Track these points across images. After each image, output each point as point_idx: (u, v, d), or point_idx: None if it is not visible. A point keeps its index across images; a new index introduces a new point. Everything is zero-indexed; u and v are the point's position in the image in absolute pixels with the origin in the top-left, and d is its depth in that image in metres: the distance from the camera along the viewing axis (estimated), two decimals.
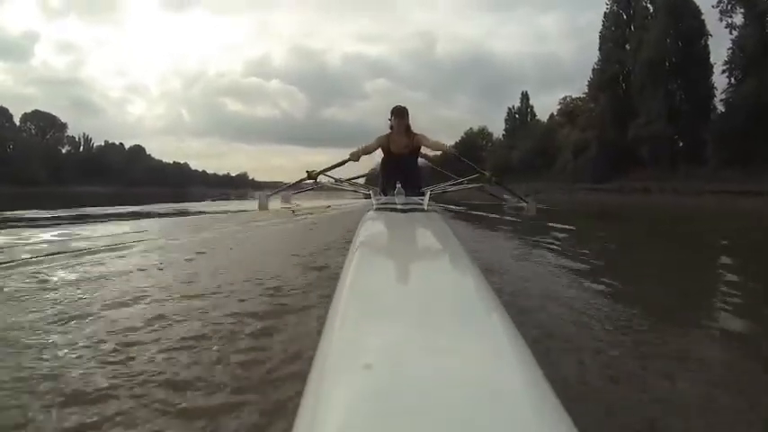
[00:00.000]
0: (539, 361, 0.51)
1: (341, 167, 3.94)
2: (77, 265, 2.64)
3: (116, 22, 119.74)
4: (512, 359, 0.53)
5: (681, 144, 24.94)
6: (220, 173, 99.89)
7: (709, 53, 25.48)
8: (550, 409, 0.43)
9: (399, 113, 3.40)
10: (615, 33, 29.15)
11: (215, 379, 1.26)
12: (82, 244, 3.34)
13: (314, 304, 1.90)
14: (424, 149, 3.68)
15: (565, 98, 40.24)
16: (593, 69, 30.55)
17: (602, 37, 29.73)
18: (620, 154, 25.72)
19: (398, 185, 3.30)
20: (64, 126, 61.84)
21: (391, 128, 3.46)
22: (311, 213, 6.03)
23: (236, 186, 76.70)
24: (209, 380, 1.25)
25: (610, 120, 26.93)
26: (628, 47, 28.54)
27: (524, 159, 35.16)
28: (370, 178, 5.10)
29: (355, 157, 3.49)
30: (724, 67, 23.50)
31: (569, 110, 39.01)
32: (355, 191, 4.79)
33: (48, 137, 59.97)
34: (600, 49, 29.98)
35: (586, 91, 34.84)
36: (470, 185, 4.46)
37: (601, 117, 27.55)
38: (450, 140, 50.83)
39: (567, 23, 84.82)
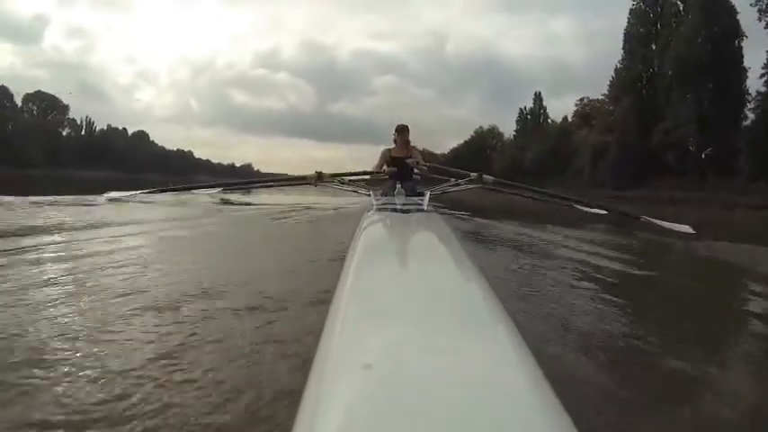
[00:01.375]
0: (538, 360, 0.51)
1: (344, 169, 4.66)
2: None
3: (126, 9, 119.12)
4: (512, 359, 0.53)
5: (709, 152, 23.10)
6: (225, 162, 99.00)
7: (742, 56, 23.73)
8: (550, 409, 0.43)
9: (402, 130, 4.24)
10: (641, 32, 27.25)
11: None
12: None
13: None
14: (413, 159, 4.24)
15: (582, 99, 38.43)
16: (616, 69, 28.67)
17: (627, 35, 27.81)
18: (643, 160, 23.93)
19: (398, 186, 3.19)
20: (66, 108, 60.78)
21: (395, 141, 4.26)
22: None
23: (242, 177, 75.96)
24: None
25: (633, 123, 25.06)
26: (654, 47, 26.72)
27: (537, 161, 33.38)
28: (371, 180, 5.33)
29: (378, 171, 4.33)
30: (763, 71, 21.63)
31: (585, 112, 37.27)
32: (355, 191, 4.95)
33: (49, 118, 58.89)
34: (624, 48, 28.10)
35: (605, 92, 33.35)
36: (470, 186, 4.55)
37: (623, 119, 25.68)
38: (457, 140, 49.68)
39: (578, 28, 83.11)
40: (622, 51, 28.06)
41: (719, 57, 22.70)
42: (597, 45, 61.81)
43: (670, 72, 24.90)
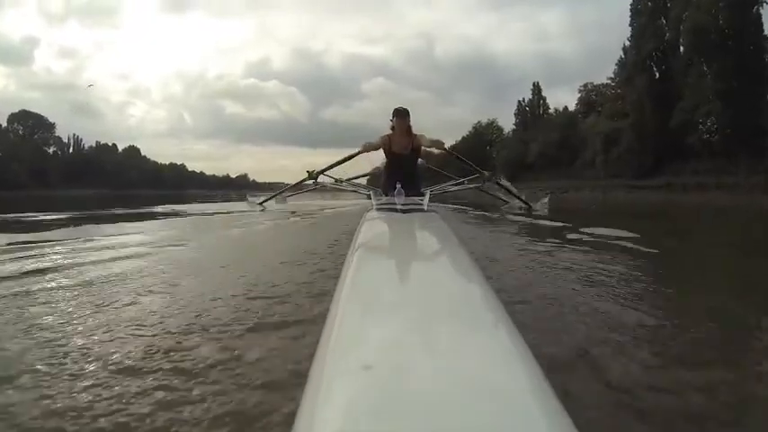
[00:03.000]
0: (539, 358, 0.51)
1: (342, 167, 4.18)
2: None
3: (114, 26, 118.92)
4: (512, 359, 0.52)
5: (729, 132, 20.73)
6: (219, 174, 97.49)
7: (762, 24, 21.56)
8: (550, 409, 0.43)
9: (401, 114, 3.49)
10: (650, 6, 24.96)
11: None
12: None
13: None
14: (424, 149, 3.74)
15: (585, 85, 36.19)
16: (624, 48, 26.35)
17: (635, 10, 25.54)
18: (662, 144, 21.63)
19: (398, 185, 2.82)
20: (52, 126, 59.32)
21: (392, 128, 3.54)
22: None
23: (238, 188, 74.79)
24: None
25: (649, 104, 22.72)
26: (664, 20, 24.48)
27: (543, 153, 31.14)
28: (371, 179, 4.92)
29: (367, 148, 3.73)
30: None
31: (590, 99, 35.08)
32: (355, 191, 4.82)
33: (35, 137, 57.31)
34: (631, 25, 25.73)
35: (611, 76, 31.11)
36: (471, 185, 4.51)
37: (638, 102, 23.35)
38: (453, 138, 47.50)
39: (567, 20, 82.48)
40: (630, 28, 25.78)
41: (740, 26, 20.52)
42: (587, 36, 60.85)
43: (682, 48, 22.82)
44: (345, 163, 4.18)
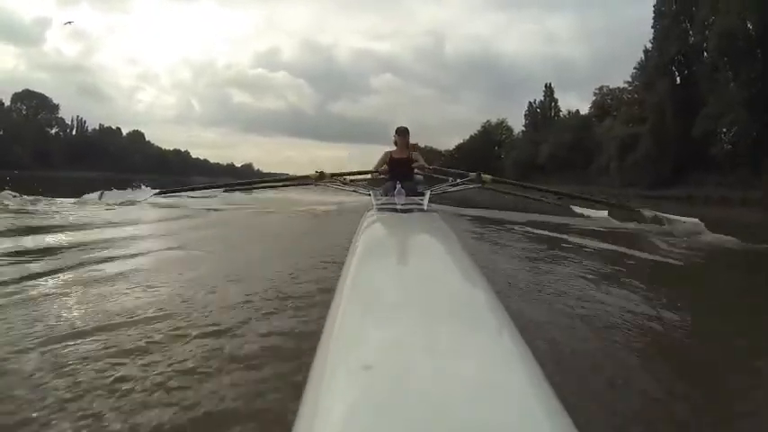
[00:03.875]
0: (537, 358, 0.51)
1: (344, 167, 4.95)
2: None
3: (125, 11, 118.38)
4: (512, 359, 0.52)
5: (757, 141, 19.65)
6: (224, 162, 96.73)
7: None
8: (551, 409, 0.43)
9: (402, 132, 4.28)
10: (674, 9, 23.83)
11: None
12: None
13: None
14: (417, 159, 4.38)
15: (601, 88, 35.13)
16: (645, 51, 25.31)
17: (659, 12, 24.42)
18: (682, 152, 20.63)
19: (398, 186, 2.97)
20: (56, 107, 58.62)
21: (395, 143, 4.31)
22: None
23: (241, 176, 74.17)
24: None
25: (672, 110, 21.67)
26: (688, 24, 23.36)
27: (554, 155, 30.15)
28: (372, 180, 5.17)
29: (378, 171, 4.42)
30: None
31: (605, 103, 34.07)
32: (355, 191, 5.05)
33: (39, 117, 56.66)
34: (654, 27, 24.64)
35: (628, 80, 30.10)
36: (470, 186, 4.64)
37: (658, 107, 22.31)
38: (458, 137, 47.12)
39: (576, 24, 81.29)
40: (652, 31, 24.69)
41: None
42: (595, 42, 59.94)
43: (705, 54, 21.75)
44: (348, 167, 4.76)
